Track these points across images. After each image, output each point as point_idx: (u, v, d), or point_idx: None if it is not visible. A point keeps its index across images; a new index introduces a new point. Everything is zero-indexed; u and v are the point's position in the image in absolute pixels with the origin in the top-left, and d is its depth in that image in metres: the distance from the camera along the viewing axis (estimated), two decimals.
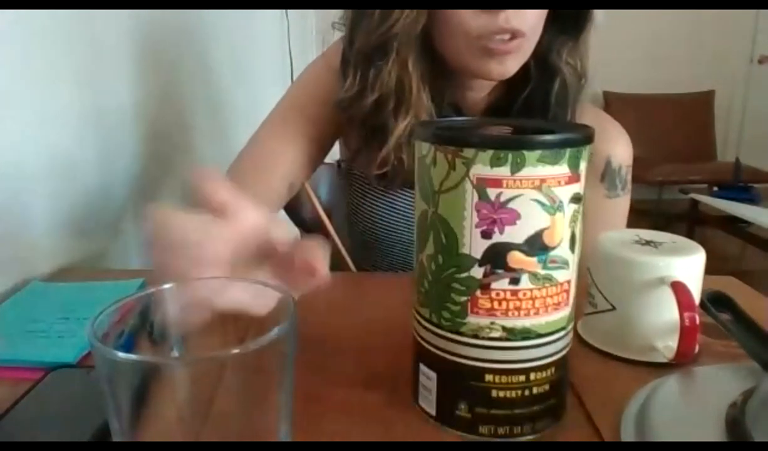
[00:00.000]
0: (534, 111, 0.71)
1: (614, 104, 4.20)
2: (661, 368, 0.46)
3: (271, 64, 1.90)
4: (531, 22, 0.62)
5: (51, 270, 0.72)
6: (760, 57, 4.38)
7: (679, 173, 3.81)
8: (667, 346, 0.47)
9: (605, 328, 0.51)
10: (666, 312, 0.46)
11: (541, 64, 0.69)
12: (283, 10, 1.95)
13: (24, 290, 0.63)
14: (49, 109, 0.74)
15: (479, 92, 0.73)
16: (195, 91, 1.23)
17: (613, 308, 0.50)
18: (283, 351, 0.30)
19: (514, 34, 0.61)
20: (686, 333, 0.45)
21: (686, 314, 0.45)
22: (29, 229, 0.69)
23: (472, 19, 0.61)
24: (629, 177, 0.78)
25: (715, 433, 0.36)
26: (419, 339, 0.39)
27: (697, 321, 0.45)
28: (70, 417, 0.40)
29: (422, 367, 0.39)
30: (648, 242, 0.50)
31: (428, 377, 0.39)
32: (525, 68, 0.68)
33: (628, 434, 0.38)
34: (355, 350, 0.51)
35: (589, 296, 0.52)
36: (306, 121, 0.75)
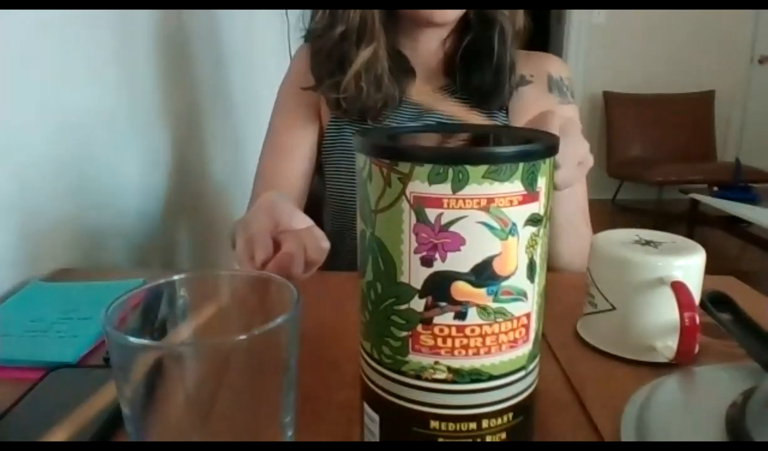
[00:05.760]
0: (480, 55, 0.82)
1: (614, 104, 4.21)
2: (661, 368, 0.46)
3: (270, 64, 1.90)
4: None
5: (51, 270, 0.72)
6: (760, 57, 4.38)
7: (679, 173, 3.81)
8: (667, 346, 0.47)
9: (605, 328, 0.51)
10: (666, 312, 0.47)
11: (481, 16, 0.82)
12: (283, 10, 1.95)
13: (24, 290, 0.63)
14: (54, 110, 0.74)
15: (429, 43, 0.86)
16: (199, 93, 1.24)
17: (613, 308, 0.50)
18: (287, 340, 0.31)
19: None
20: (686, 333, 0.45)
21: (686, 314, 0.45)
22: (30, 229, 0.70)
23: None
24: (572, 88, 0.90)
25: (715, 433, 0.36)
26: (363, 375, 0.35)
27: (697, 321, 0.45)
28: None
29: (366, 407, 0.35)
30: (648, 242, 0.50)
31: (372, 419, 0.34)
32: (466, 22, 0.82)
33: (628, 434, 0.38)
34: (356, 350, 0.51)
35: (589, 296, 0.52)
36: (306, 107, 0.90)
